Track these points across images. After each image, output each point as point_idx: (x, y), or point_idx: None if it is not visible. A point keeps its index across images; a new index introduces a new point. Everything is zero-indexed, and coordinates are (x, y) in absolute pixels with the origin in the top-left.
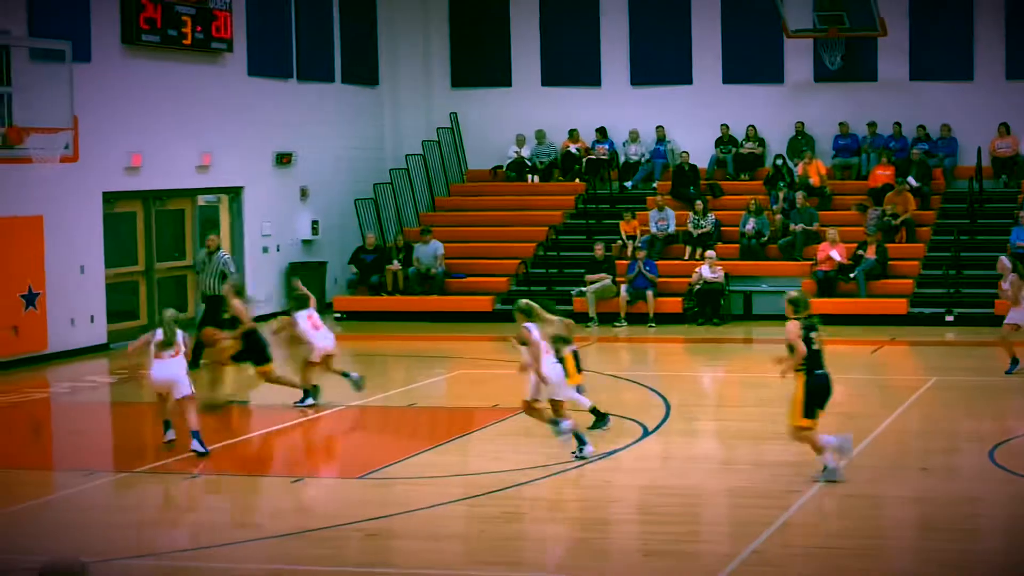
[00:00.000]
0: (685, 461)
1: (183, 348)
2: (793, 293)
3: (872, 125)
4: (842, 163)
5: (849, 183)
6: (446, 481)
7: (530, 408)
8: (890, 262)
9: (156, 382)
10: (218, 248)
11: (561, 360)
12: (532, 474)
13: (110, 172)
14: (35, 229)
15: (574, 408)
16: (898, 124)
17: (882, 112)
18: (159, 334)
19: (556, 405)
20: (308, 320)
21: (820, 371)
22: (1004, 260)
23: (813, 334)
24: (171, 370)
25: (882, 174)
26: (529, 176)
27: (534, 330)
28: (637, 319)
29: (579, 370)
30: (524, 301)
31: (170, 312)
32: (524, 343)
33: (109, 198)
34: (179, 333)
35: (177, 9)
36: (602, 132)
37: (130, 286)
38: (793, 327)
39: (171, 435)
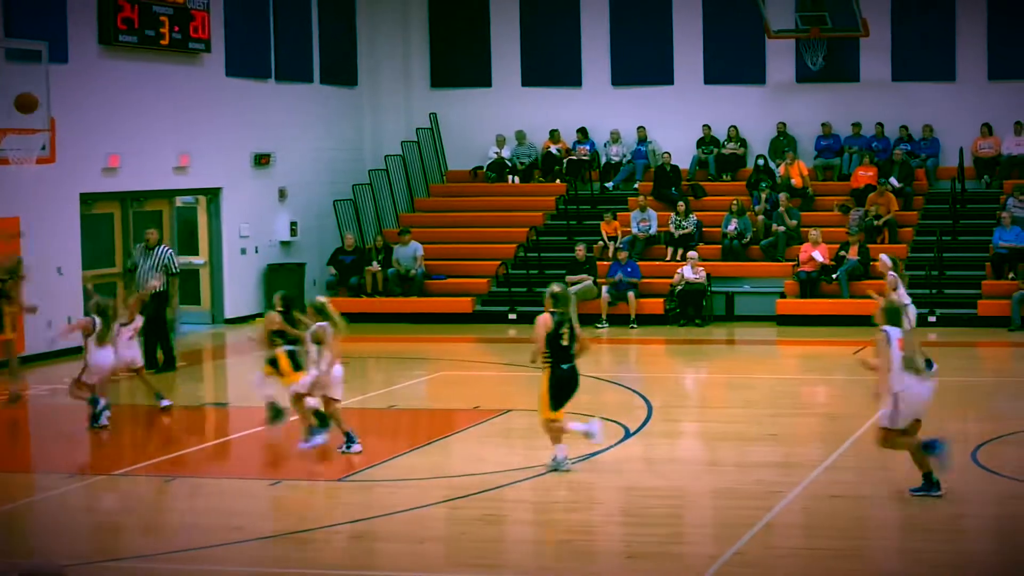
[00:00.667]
0: (668, 463)
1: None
2: (556, 288)
3: (856, 126)
4: (824, 164)
5: (831, 184)
6: (428, 483)
7: (297, 401)
8: (872, 263)
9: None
10: (159, 243)
11: (275, 359)
12: (514, 476)
13: (87, 173)
14: (11, 230)
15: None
16: (880, 125)
17: (864, 113)
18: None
19: (328, 403)
20: None
21: (566, 365)
22: (884, 258)
23: (563, 329)
24: None
25: (864, 175)
26: (510, 177)
27: (329, 328)
28: (619, 320)
29: (296, 369)
30: (320, 299)
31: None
32: (319, 341)
33: (86, 199)
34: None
35: (155, 9)
36: (583, 132)
37: (108, 287)
38: (544, 320)
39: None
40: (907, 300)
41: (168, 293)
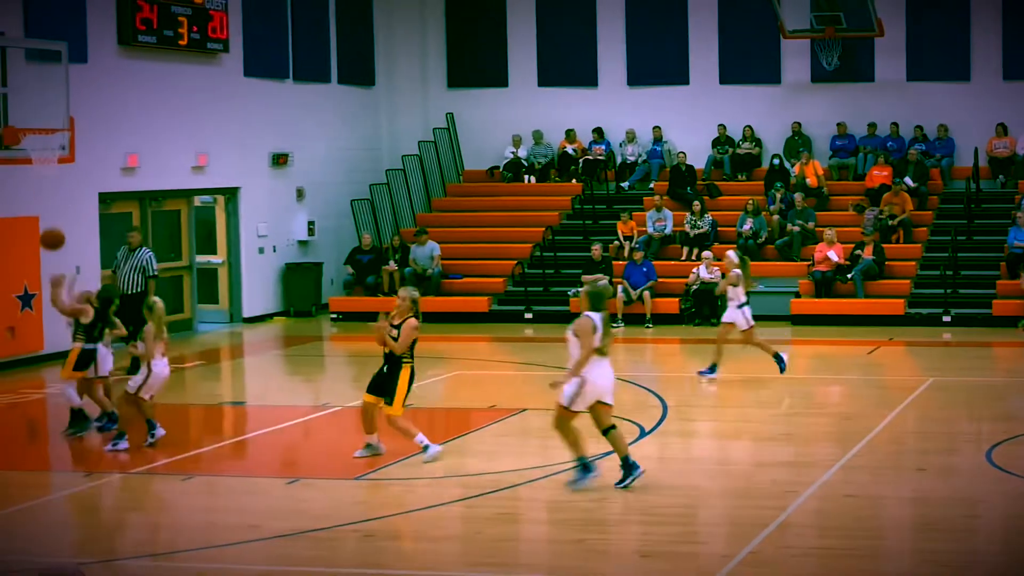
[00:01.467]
0: (682, 462)
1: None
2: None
3: (872, 126)
4: (839, 163)
5: (846, 183)
6: (443, 482)
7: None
8: (887, 263)
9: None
10: (140, 245)
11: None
12: (529, 475)
13: (106, 173)
14: (31, 230)
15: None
16: (895, 124)
17: (879, 112)
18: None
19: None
20: None
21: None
22: (731, 255)
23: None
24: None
25: (879, 174)
26: (526, 176)
27: (149, 328)
28: (634, 320)
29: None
30: (153, 299)
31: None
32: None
33: (105, 199)
34: None
35: (173, 10)
36: (599, 132)
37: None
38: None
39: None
40: (742, 299)
41: (145, 295)
